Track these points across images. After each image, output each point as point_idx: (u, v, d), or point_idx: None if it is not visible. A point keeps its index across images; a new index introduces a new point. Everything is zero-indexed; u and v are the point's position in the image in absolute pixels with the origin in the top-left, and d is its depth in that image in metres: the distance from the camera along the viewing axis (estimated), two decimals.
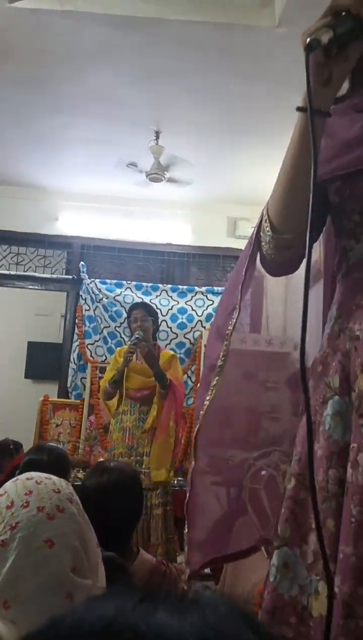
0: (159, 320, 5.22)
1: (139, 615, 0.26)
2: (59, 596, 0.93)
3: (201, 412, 1.26)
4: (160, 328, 5.20)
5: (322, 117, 0.94)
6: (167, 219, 5.31)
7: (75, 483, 3.79)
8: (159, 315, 5.20)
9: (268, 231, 1.06)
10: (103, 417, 4.66)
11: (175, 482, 4.56)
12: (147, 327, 3.48)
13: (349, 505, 0.89)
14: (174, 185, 4.65)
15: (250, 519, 2.22)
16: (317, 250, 1.24)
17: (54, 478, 1.05)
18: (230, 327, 1.19)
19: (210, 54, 3.20)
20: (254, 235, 1.14)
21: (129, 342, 3.50)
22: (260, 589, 1.85)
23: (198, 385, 1.27)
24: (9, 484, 1.02)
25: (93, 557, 1.02)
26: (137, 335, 3.37)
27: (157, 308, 5.20)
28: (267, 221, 1.07)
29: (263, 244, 1.10)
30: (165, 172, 4.33)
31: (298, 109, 0.96)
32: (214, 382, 1.19)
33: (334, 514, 0.92)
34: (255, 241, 1.13)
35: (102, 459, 3.56)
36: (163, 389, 3.38)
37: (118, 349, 3.86)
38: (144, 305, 3.72)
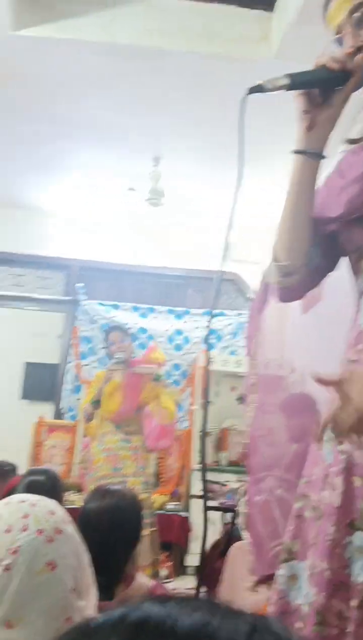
0: (156, 342, 5.27)
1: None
2: (60, 619, 0.93)
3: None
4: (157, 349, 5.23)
5: (314, 158, 1.05)
6: (164, 242, 5.36)
7: (68, 506, 3.77)
8: (156, 336, 5.25)
9: (272, 260, 1.17)
10: None
11: (171, 506, 4.54)
12: (125, 348, 3.52)
13: (325, 525, 0.98)
14: (171, 209, 4.72)
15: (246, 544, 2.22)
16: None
17: (46, 499, 1.06)
18: (252, 347, 1.30)
19: (209, 84, 3.27)
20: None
21: (109, 364, 3.53)
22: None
23: None
24: (2, 508, 1.01)
25: (88, 575, 1.03)
26: (118, 356, 3.42)
27: (153, 330, 5.25)
28: (273, 251, 1.16)
29: (266, 272, 1.21)
30: (163, 198, 4.40)
31: (295, 151, 1.06)
32: (251, 402, 1.28)
33: None
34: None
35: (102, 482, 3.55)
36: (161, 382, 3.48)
37: (97, 372, 3.90)
38: (119, 328, 3.81)
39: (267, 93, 1.00)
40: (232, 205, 1.16)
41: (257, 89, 0.99)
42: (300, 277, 1.14)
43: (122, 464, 3.30)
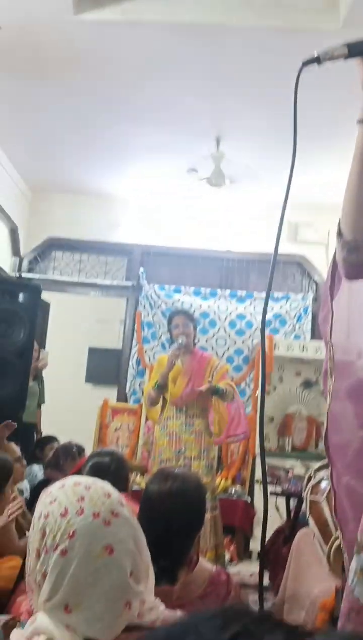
0: (217, 327, 5.24)
1: None
2: (118, 604, 0.92)
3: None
4: (219, 334, 5.19)
5: None
6: (227, 225, 5.30)
7: (133, 488, 3.82)
8: (217, 321, 5.22)
9: (337, 235, 1.12)
10: None
11: (233, 490, 4.52)
12: (188, 333, 3.50)
13: None
14: (234, 191, 4.64)
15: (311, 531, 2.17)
16: None
17: (100, 482, 1.04)
18: (328, 330, 1.25)
19: (273, 59, 3.17)
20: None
21: (171, 349, 3.53)
22: (322, 603, 1.79)
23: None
24: (56, 491, 1.01)
25: (145, 559, 1.01)
26: (180, 341, 3.40)
27: (215, 314, 5.21)
28: (338, 226, 1.11)
29: (336, 247, 1.15)
30: (226, 179, 4.33)
31: (359, 121, 1.02)
32: (329, 387, 1.24)
33: None
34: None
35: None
36: (226, 398, 3.43)
37: (159, 357, 3.90)
38: (184, 312, 3.77)
39: (325, 63, 0.97)
40: (287, 184, 1.12)
41: (313, 60, 0.97)
42: None
43: (185, 447, 3.31)
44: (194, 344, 3.63)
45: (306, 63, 0.99)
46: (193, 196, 4.91)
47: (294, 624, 0.27)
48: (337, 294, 1.26)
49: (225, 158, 4.21)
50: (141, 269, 5.31)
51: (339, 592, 1.66)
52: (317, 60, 0.97)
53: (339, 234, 1.11)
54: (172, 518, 1.45)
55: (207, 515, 3.16)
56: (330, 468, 1.31)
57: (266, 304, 1.35)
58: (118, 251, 5.42)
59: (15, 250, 5.28)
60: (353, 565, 1.00)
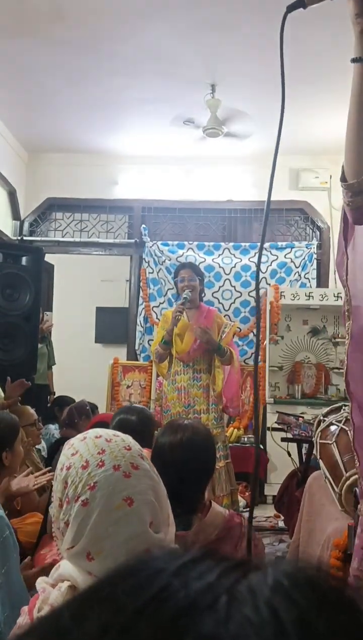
0: (222, 280, 5.22)
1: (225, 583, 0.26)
2: (138, 551, 0.96)
3: None
4: (224, 287, 5.19)
5: None
6: (227, 175, 5.21)
7: None
8: (222, 274, 5.20)
9: (340, 179, 1.12)
10: None
11: (246, 439, 4.62)
12: (194, 287, 3.48)
13: None
14: (232, 140, 4.55)
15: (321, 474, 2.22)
16: None
17: (121, 435, 1.07)
18: (344, 274, 1.26)
19: (266, 3, 3.05)
20: None
21: (177, 302, 3.52)
22: (336, 541, 1.85)
23: None
24: (78, 443, 1.04)
25: (165, 508, 1.05)
26: (185, 296, 3.39)
27: (220, 267, 5.19)
28: (341, 170, 1.11)
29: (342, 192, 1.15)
30: (223, 127, 4.23)
31: (353, 60, 1.01)
32: (347, 328, 1.26)
33: None
34: None
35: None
36: (223, 358, 3.40)
37: (164, 312, 3.89)
38: (190, 265, 3.70)
39: (311, 7, 0.95)
40: (277, 131, 1.11)
41: (298, 4, 0.96)
42: None
43: (194, 401, 3.36)
44: (201, 299, 3.62)
45: (290, 8, 0.98)
46: (191, 147, 4.82)
47: (237, 558, 0.27)
48: (350, 238, 1.25)
49: (221, 105, 4.11)
50: (143, 226, 5.27)
51: (351, 529, 1.71)
52: (302, 4, 0.96)
53: (343, 178, 1.09)
54: (183, 468, 1.49)
55: (221, 464, 3.24)
56: (350, 403, 1.34)
57: (259, 257, 1.34)
58: (118, 209, 5.37)
59: (15, 214, 5.24)
60: None
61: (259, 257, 1.21)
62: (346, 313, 1.30)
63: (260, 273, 5.12)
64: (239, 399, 3.64)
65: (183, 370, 3.42)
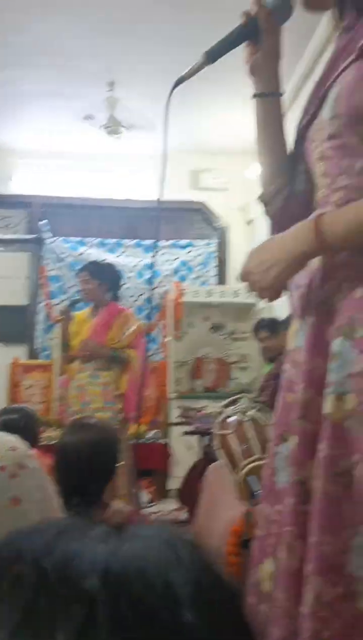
0: (126, 277, 5.22)
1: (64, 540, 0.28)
2: None
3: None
4: (128, 285, 5.19)
5: (271, 97, 1.12)
6: (128, 173, 5.22)
7: (51, 442, 3.84)
8: (126, 272, 5.20)
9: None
10: None
11: (151, 434, 4.66)
12: (90, 290, 3.50)
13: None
14: (133, 138, 4.56)
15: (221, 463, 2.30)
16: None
17: (6, 436, 1.07)
18: None
19: (165, 3, 3.09)
20: None
21: (61, 305, 3.55)
22: (233, 529, 1.93)
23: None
24: None
25: (54, 509, 1.06)
26: (74, 298, 3.44)
27: (123, 265, 5.19)
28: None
29: None
30: (123, 125, 4.24)
31: (253, 96, 1.12)
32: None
33: None
34: None
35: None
36: (121, 365, 3.42)
37: (75, 314, 3.88)
38: (87, 267, 3.67)
39: (192, 77, 1.10)
40: (164, 129, 1.20)
41: (181, 81, 1.10)
42: (280, 205, 1.15)
43: (90, 399, 3.36)
44: (116, 297, 3.62)
45: (176, 85, 1.09)
46: (93, 144, 4.78)
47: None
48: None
49: (120, 104, 4.11)
50: (43, 222, 5.15)
51: (248, 515, 1.79)
52: (183, 80, 1.09)
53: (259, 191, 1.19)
54: (86, 466, 1.50)
55: (122, 462, 3.26)
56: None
57: (154, 255, 1.38)
58: (17, 204, 5.21)
59: None
60: (280, 450, 1.05)
61: (154, 254, 1.25)
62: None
63: (163, 271, 5.19)
64: (134, 404, 3.59)
65: (82, 368, 3.41)
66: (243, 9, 1.06)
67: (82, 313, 3.68)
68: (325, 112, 0.96)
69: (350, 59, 0.91)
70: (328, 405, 0.89)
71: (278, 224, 1.17)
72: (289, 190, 1.13)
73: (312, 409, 0.94)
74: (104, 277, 3.56)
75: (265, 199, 1.16)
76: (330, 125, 0.94)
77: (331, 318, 0.93)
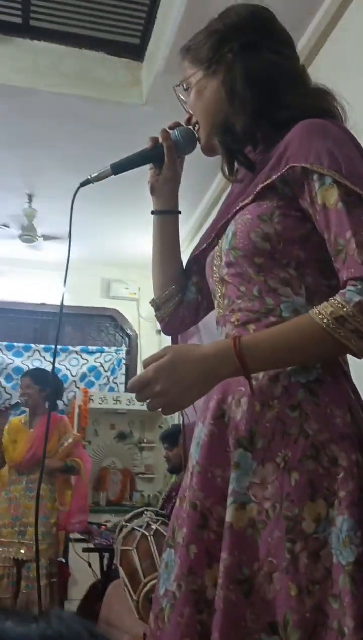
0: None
1: None
2: None
3: None
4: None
5: (168, 215, 1.24)
6: (41, 278, 5.27)
7: None
8: None
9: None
10: None
11: None
12: (30, 395, 3.46)
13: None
14: (47, 247, 4.68)
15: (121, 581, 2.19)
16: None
17: None
18: None
19: (81, 125, 3.33)
20: None
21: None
22: None
23: None
24: None
25: None
26: (10, 402, 3.38)
27: (29, 369, 5.09)
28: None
29: None
30: (38, 234, 4.36)
31: (152, 212, 1.23)
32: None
33: None
34: None
35: None
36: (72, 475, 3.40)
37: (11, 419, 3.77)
38: (30, 372, 3.69)
39: (96, 183, 1.19)
40: (68, 230, 1.35)
41: (87, 182, 1.18)
42: (169, 311, 1.24)
43: (23, 514, 3.18)
44: (54, 407, 3.56)
45: (82, 185, 1.18)
46: (6, 249, 4.84)
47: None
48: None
49: (37, 216, 4.25)
50: None
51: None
52: (90, 181, 1.18)
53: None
54: None
55: (44, 582, 3.10)
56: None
57: (54, 361, 1.42)
58: None
59: None
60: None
61: (54, 359, 1.27)
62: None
63: (69, 376, 5.14)
64: (86, 512, 3.46)
65: (17, 480, 3.25)
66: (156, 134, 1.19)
67: (17, 420, 3.59)
68: (224, 244, 1.06)
69: (247, 200, 1.02)
70: (230, 514, 0.92)
71: (169, 325, 1.26)
72: (180, 298, 1.23)
73: (212, 518, 0.95)
74: (46, 384, 3.50)
75: (157, 304, 1.25)
76: (227, 256, 1.04)
77: (230, 430, 0.98)
